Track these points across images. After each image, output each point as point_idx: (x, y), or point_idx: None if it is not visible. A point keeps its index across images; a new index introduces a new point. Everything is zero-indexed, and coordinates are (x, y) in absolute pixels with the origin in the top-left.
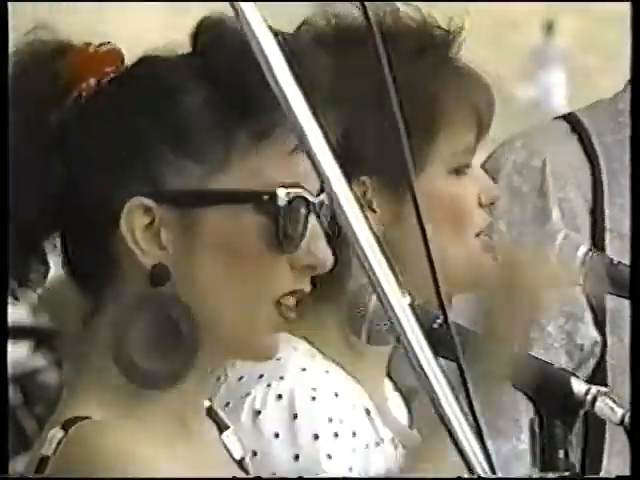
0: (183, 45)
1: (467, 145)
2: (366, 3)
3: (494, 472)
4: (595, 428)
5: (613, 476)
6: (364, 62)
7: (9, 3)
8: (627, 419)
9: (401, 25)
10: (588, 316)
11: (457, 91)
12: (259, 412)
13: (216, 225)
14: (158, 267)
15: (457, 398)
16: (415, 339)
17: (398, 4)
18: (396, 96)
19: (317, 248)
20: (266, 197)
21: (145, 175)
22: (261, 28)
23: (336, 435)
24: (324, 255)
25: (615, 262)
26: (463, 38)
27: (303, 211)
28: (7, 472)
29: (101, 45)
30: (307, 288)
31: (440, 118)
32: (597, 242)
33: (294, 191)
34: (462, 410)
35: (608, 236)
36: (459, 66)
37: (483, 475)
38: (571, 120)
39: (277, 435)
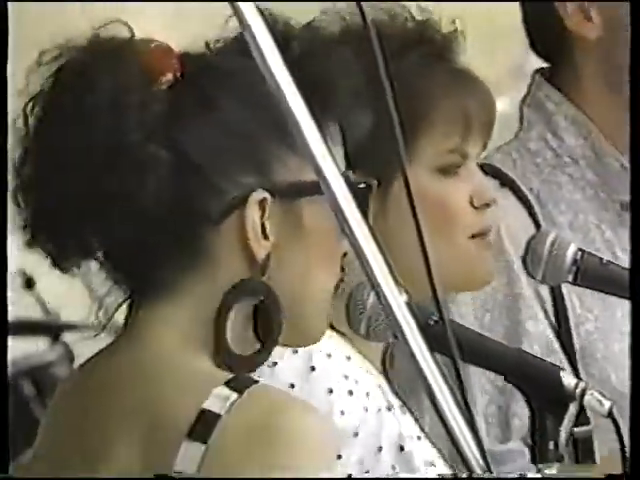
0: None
1: (454, 145)
2: (366, 3)
3: (487, 463)
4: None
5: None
6: (362, 60)
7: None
8: (614, 411)
9: (396, 23)
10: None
11: (445, 91)
12: (276, 363)
13: (310, 215)
14: (267, 257)
15: (452, 392)
16: (411, 335)
17: (401, 4)
18: (392, 95)
19: None
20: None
21: (256, 168)
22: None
23: (350, 393)
24: None
25: (605, 261)
26: (463, 42)
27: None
28: (7, 472)
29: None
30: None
31: (423, 116)
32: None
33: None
34: (458, 405)
35: None
36: (454, 68)
37: (479, 471)
38: (496, 174)
39: (292, 386)
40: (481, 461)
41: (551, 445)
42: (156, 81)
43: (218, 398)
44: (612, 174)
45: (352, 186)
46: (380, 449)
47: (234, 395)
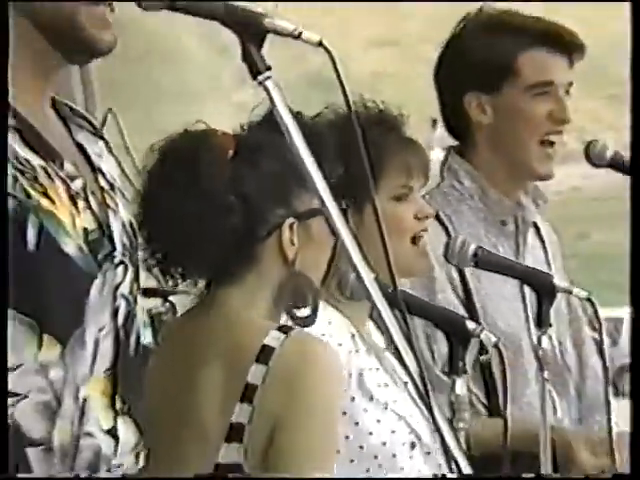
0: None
1: (402, 183)
2: (350, 99)
3: (422, 375)
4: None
5: None
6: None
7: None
8: (500, 344)
9: (369, 111)
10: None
11: (396, 151)
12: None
13: (316, 228)
14: (295, 256)
15: (402, 331)
16: (377, 298)
17: (371, 101)
18: (366, 155)
19: None
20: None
21: (286, 204)
22: (287, 113)
23: (323, 335)
24: None
25: (490, 253)
26: (407, 121)
27: None
28: (7, 472)
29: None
30: None
31: (383, 167)
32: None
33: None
34: (406, 338)
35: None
36: (402, 136)
37: (419, 382)
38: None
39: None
40: (421, 375)
41: (460, 364)
42: (226, 154)
43: (273, 337)
44: (493, 203)
45: (340, 207)
46: (350, 375)
47: (283, 335)
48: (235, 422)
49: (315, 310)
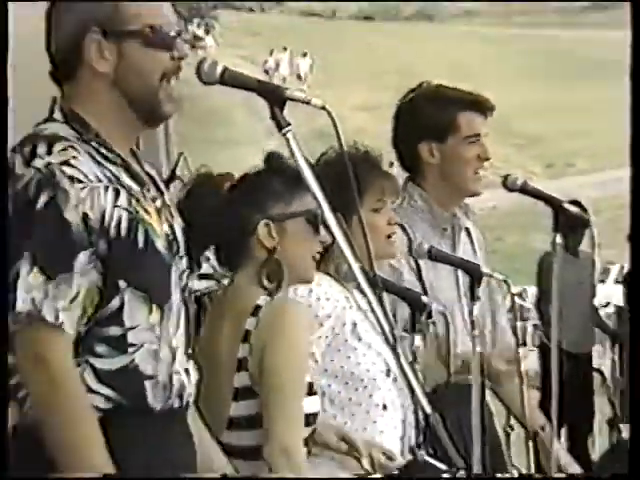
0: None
1: (379, 199)
2: (343, 145)
3: (392, 328)
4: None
5: None
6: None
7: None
8: (446, 312)
9: (356, 151)
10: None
11: (373, 178)
12: (296, 288)
13: (291, 227)
14: (273, 247)
15: (378, 300)
16: (362, 280)
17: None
18: (355, 181)
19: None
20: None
21: (262, 210)
22: (302, 159)
23: (327, 299)
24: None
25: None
26: (384, 159)
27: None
28: (7, 472)
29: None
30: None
31: (365, 189)
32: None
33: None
34: (380, 304)
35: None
36: (380, 170)
37: (387, 330)
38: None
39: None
40: (392, 331)
41: (417, 327)
42: (221, 187)
43: (262, 299)
44: (437, 216)
45: (336, 217)
46: (344, 324)
47: (269, 298)
48: (241, 357)
49: (279, 285)
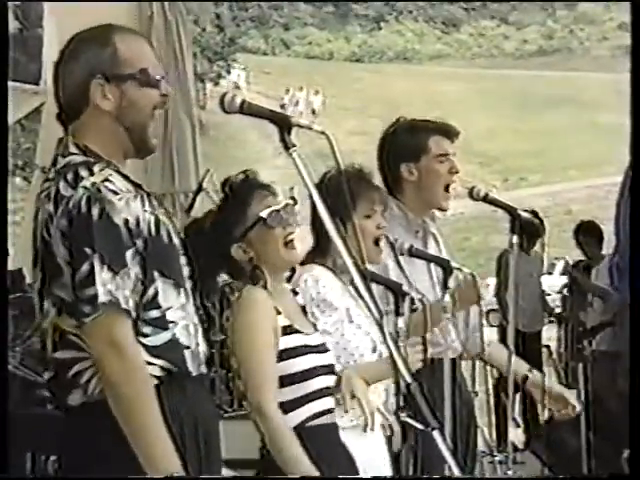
0: None
1: (370, 207)
2: (340, 164)
3: (378, 308)
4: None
5: None
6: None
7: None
8: (424, 299)
9: (352, 169)
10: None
11: (366, 191)
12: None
13: (255, 234)
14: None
15: (366, 288)
16: (355, 271)
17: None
18: (349, 193)
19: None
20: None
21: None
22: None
23: (324, 286)
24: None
25: (417, 248)
26: (375, 177)
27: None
28: (7, 472)
29: None
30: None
31: (359, 200)
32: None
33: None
34: (369, 291)
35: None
36: (372, 184)
37: (376, 315)
38: None
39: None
40: (379, 314)
41: (399, 311)
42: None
43: (244, 290)
44: (411, 222)
45: (333, 219)
46: (337, 309)
47: (243, 288)
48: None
49: (266, 281)
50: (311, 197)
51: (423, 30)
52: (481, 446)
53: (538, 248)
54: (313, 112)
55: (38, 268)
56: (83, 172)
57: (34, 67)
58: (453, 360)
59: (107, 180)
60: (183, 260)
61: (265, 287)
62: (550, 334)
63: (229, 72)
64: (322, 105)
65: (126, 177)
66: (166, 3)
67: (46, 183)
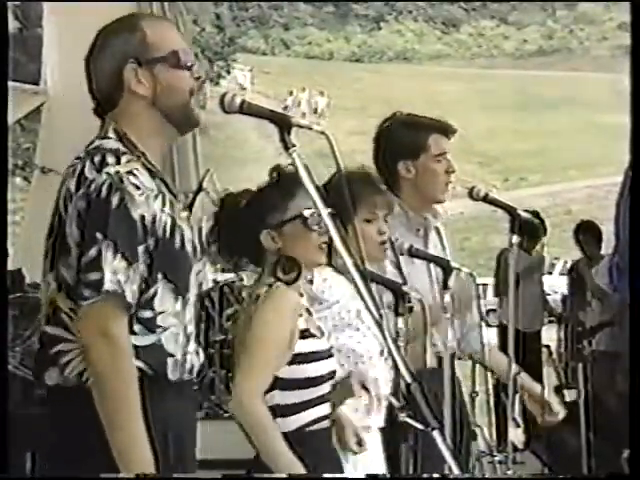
0: None
1: (371, 211)
2: (340, 164)
3: (377, 307)
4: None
5: None
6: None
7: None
8: (423, 299)
9: (355, 171)
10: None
11: (369, 194)
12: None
13: (291, 229)
14: (278, 247)
15: (366, 287)
16: (355, 271)
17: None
18: (350, 197)
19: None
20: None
21: (262, 221)
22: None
23: (331, 287)
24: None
25: (417, 248)
26: (379, 179)
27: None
28: (7, 472)
29: None
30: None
31: (360, 203)
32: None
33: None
34: (368, 290)
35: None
36: (376, 186)
37: (376, 314)
38: None
39: (311, 282)
40: (380, 315)
41: (399, 311)
42: (238, 203)
43: (264, 290)
44: (412, 220)
45: (334, 220)
46: (349, 311)
47: (269, 287)
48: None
49: (298, 275)
50: (312, 198)
51: (423, 30)
52: (481, 446)
53: (539, 248)
54: (315, 112)
55: (50, 240)
56: (110, 159)
57: (34, 67)
58: (452, 358)
59: (131, 173)
60: (194, 267)
61: (296, 280)
62: (550, 334)
63: (229, 72)
64: (327, 107)
65: (153, 174)
66: (166, 3)
67: (76, 159)
